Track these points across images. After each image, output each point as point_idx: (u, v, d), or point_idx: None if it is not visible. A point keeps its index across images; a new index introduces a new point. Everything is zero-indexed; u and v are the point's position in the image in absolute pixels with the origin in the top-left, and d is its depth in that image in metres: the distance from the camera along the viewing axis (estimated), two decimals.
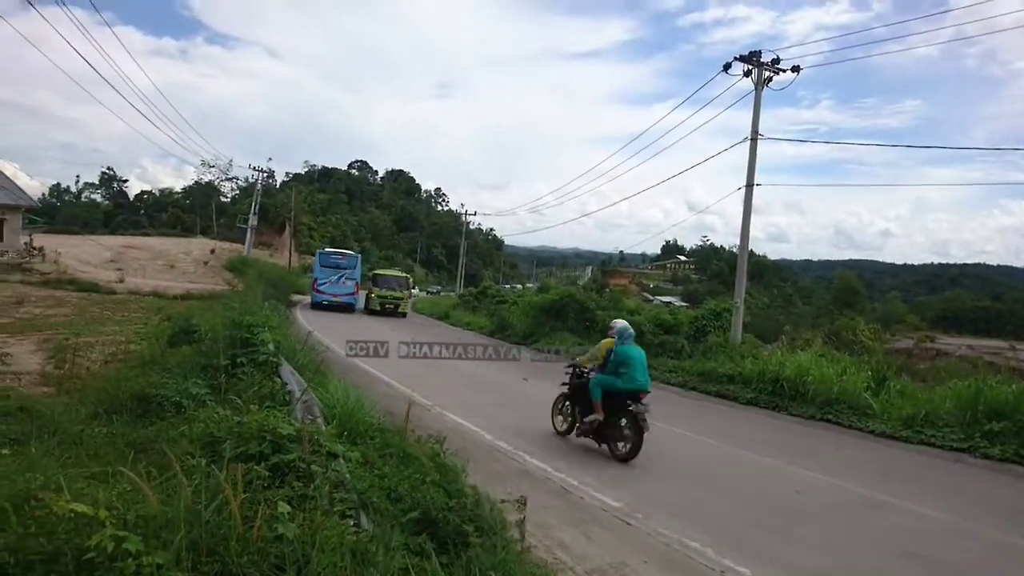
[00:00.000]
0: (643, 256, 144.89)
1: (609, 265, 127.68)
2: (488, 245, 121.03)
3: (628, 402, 8.00)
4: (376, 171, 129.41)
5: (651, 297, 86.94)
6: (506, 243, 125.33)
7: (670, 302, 65.93)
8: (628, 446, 7.90)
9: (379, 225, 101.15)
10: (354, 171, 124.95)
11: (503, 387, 13.23)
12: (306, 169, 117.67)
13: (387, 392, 10.89)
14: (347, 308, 29.43)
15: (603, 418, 8.15)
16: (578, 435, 8.60)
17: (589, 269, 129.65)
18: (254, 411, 4.91)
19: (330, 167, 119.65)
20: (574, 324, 21.73)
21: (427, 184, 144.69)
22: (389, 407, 8.65)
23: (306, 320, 22.22)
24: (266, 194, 65.14)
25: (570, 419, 8.98)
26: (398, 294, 30.31)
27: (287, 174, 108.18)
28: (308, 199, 79.73)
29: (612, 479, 7.18)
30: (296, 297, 32.70)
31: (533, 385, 13.23)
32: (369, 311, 29.64)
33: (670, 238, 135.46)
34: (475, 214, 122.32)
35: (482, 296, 35.10)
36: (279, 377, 7.92)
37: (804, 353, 13.87)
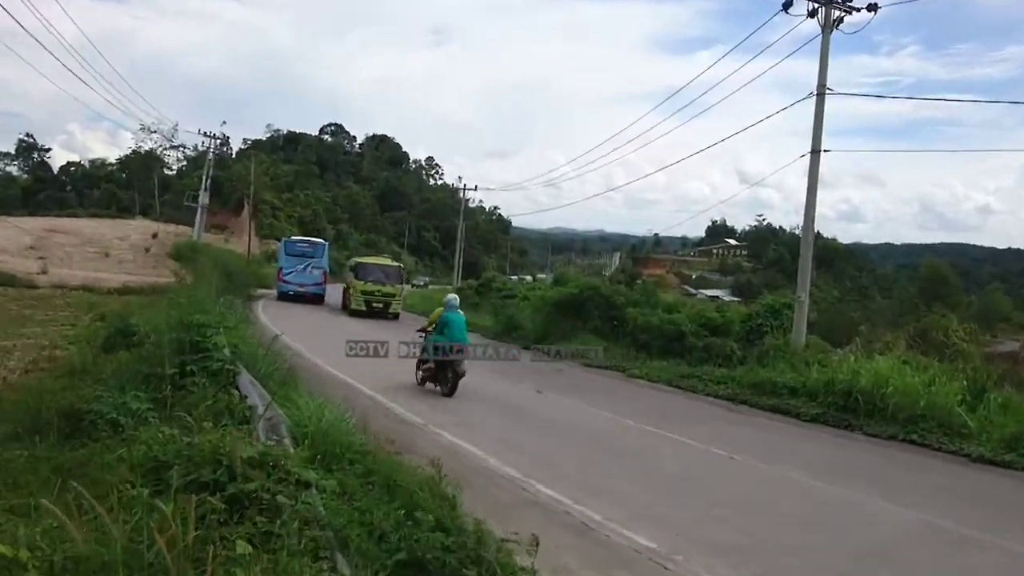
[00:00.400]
0: (683, 240, 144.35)
1: (641, 251, 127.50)
2: (492, 227, 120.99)
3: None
4: (354, 137, 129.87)
5: (693, 290, 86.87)
6: (514, 224, 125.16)
7: (717, 296, 65.90)
8: (449, 385, 12.57)
9: (358, 203, 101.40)
10: (327, 136, 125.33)
11: (509, 399, 13.30)
12: (268, 135, 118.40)
13: (370, 406, 10.94)
14: (315, 299, 30.67)
15: (435, 366, 12.72)
16: (423, 382, 13.06)
17: (617, 256, 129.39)
18: (207, 430, 4.96)
19: (297, 132, 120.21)
20: (599, 323, 21.65)
21: (416, 153, 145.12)
22: (372, 424, 8.68)
23: (270, 319, 22.33)
24: (219, 165, 65.39)
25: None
26: (388, 289, 28.63)
27: (245, 141, 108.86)
28: (271, 171, 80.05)
29: (643, 513, 7.20)
30: (260, 291, 32.86)
31: (549, 400, 13.26)
32: (351, 311, 28.16)
33: (717, 217, 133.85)
34: (475, 189, 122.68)
35: (484, 290, 35.22)
36: (237, 389, 7.98)
37: (883, 359, 13.80)
